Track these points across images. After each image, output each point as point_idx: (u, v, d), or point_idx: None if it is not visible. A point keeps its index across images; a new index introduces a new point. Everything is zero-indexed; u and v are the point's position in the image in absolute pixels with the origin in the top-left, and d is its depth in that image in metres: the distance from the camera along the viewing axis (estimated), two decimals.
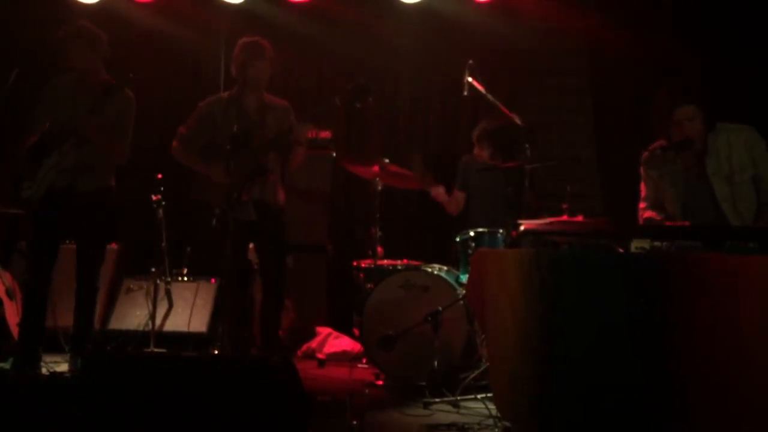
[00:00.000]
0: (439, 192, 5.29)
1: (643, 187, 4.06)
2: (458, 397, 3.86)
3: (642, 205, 4.05)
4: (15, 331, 4.72)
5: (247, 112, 4.49)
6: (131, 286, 5.44)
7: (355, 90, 4.13)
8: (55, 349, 4.69)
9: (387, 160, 4.84)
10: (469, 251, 4.48)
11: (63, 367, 4.45)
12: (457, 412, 3.73)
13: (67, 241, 4.67)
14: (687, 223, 3.73)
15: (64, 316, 4.59)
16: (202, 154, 4.45)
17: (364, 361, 4.86)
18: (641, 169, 4.04)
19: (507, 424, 3.33)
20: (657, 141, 3.95)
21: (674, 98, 3.73)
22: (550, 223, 3.51)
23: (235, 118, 4.41)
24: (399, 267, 4.74)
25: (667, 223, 3.81)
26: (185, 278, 5.44)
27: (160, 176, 4.91)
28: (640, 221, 3.97)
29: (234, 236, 4.23)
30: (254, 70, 4.44)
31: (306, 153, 4.63)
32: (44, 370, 4.33)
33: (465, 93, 4.52)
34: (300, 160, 4.57)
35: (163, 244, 5.02)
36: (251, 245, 4.67)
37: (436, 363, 4.04)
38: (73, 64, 4.35)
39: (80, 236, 4.45)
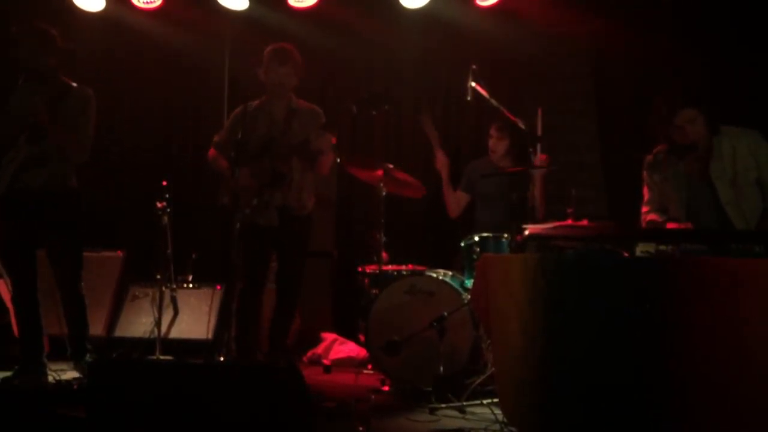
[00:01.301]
0: (442, 161, 5.23)
1: (645, 191, 4.05)
2: (464, 403, 3.86)
3: (645, 209, 4.04)
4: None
5: (274, 119, 4.51)
6: (136, 293, 5.45)
7: (371, 98, 4.13)
8: (64, 356, 4.71)
9: (391, 166, 4.84)
10: (474, 256, 4.47)
11: (70, 375, 4.46)
12: (463, 418, 3.73)
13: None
14: (689, 225, 3.74)
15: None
16: (231, 161, 4.46)
17: (370, 366, 4.85)
18: (644, 173, 4.04)
19: (513, 429, 3.33)
20: (658, 145, 3.96)
21: (674, 102, 3.73)
22: (555, 228, 3.51)
23: (257, 126, 4.43)
24: (404, 272, 4.74)
25: (669, 225, 3.82)
26: (190, 285, 5.44)
27: (165, 183, 4.92)
28: (643, 225, 3.97)
29: (256, 241, 4.26)
30: (276, 76, 4.46)
31: (333, 159, 4.63)
32: (50, 378, 4.34)
33: (468, 98, 4.52)
34: (327, 167, 4.57)
35: (168, 251, 5.03)
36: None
37: (441, 368, 4.04)
38: (24, 63, 4.32)
39: (48, 243, 4.40)
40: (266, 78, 4.50)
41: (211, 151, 4.65)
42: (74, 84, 4.42)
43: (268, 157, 4.35)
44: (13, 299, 4.45)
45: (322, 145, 4.43)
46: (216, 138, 4.67)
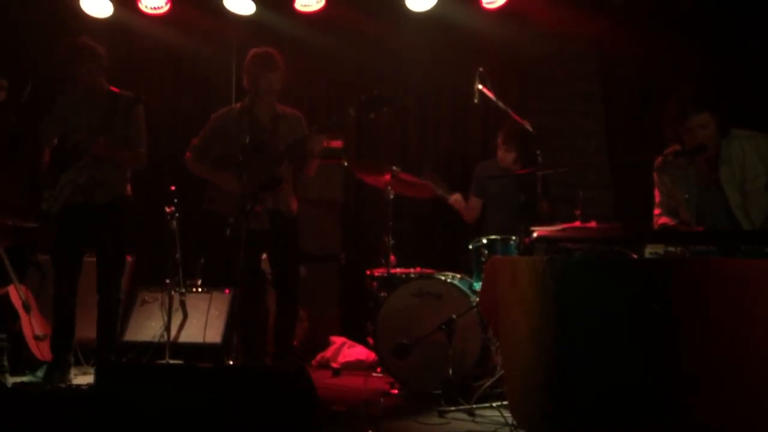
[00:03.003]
0: (456, 199, 5.26)
1: (656, 193, 4.05)
2: (473, 406, 3.86)
3: (657, 211, 4.04)
4: (32, 344, 4.76)
5: (260, 123, 4.51)
6: (146, 297, 5.46)
7: (369, 100, 4.14)
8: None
9: (398, 169, 4.84)
10: (482, 258, 4.47)
11: (81, 379, 4.48)
12: (473, 421, 3.73)
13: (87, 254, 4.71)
14: (700, 228, 3.73)
15: (81, 329, 4.62)
16: (215, 165, 4.49)
17: (379, 370, 4.85)
18: (654, 175, 4.04)
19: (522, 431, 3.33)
20: (670, 146, 3.95)
21: (687, 105, 3.73)
22: (563, 230, 3.51)
23: (246, 129, 4.43)
24: (412, 275, 4.74)
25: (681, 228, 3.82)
26: (199, 289, 5.45)
27: (173, 188, 4.93)
28: (655, 227, 3.96)
29: (248, 246, 4.26)
30: (265, 82, 4.47)
31: (319, 163, 4.65)
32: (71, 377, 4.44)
33: (476, 100, 4.51)
34: (314, 170, 4.59)
35: (177, 256, 5.04)
36: (264, 255, 4.69)
37: (450, 371, 4.03)
38: (79, 82, 4.47)
39: (100, 247, 4.55)
40: (253, 83, 4.49)
41: (188, 155, 4.62)
42: (119, 91, 4.51)
43: (258, 161, 4.34)
44: (53, 302, 4.55)
45: (314, 148, 4.45)
46: (195, 141, 4.63)
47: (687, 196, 3.86)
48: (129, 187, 4.62)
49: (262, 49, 4.53)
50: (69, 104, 4.51)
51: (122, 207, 4.56)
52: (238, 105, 4.60)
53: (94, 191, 4.41)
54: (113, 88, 4.53)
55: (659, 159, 3.98)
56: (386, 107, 4.15)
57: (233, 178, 4.32)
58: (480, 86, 4.49)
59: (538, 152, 4.33)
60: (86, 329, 4.61)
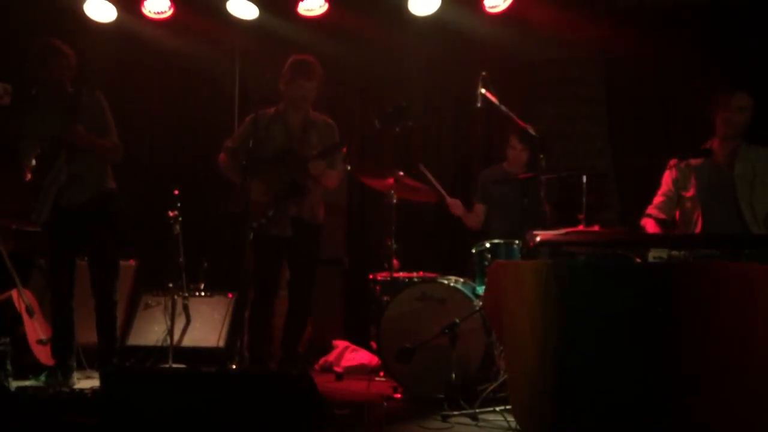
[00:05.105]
0: (456, 204, 5.26)
1: (663, 187, 4.22)
2: (477, 410, 3.84)
3: (655, 201, 4.27)
4: (35, 348, 4.77)
5: (291, 129, 4.52)
6: (149, 301, 5.47)
7: (394, 112, 4.13)
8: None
9: (401, 173, 4.85)
10: (486, 263, 4.46)
11: (84, 383, 4.49)
12: (476, 425, 3.72)
13: (85, 258, 4.73)
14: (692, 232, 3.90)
15: (82, 333, 4.63)
16: (241, 169, 4.47)
17: (382, 374, 4.84)
18: (667, 173, 4.25)
19: None
20: (709, 139, 4.21)
21: (729, 85, 4.09)
22: (567, 234, 3.50)
23: (278, 134, 4.46)
24: (415, 279, 4.74)
25: (649, 225, 4.06)
26: (203, 293, 5.46)
27: (176, 192, 4.94)
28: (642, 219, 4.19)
29: (268, 251, 4.27)
30: (299, 89, 4.47)
31: (340, 175, 4.66)
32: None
33: (478, 104, 4.52)
34: (337, 180, 4.61)
35: (180, 260, 5.05)
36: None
37: (453, 375, 4.03)
38: (49, 79, 4.44)
39: (91, 248, 4.55)
40: (288, 89, 4.50)
41: (222, 156, 4.65)
42: (81, 88, 4.48)
43: (285, 167, 4.35)
44: (50, 304, 4.57)
45: (335, 159, 4.46)
46: (228, 143, 4.66)
47: (698, 191, 4.11)
48: (113, 183, 4.58)
49: (302, 56, 4.54)
50: (39, 112, 4.48)
51: (109, 203, 4.53)
52: (273, 109, 4.58)
53: (77, 188, 4.40)
54: (75, 87, 4.50)
55: (674, 161, 4.21)
56: (411, 120, 4.14)
57: (260, 183, 4.31)
58: (483, 90, 4.49)
59: (542, 156, 4.33)
60: (88, 333, 4.62)
